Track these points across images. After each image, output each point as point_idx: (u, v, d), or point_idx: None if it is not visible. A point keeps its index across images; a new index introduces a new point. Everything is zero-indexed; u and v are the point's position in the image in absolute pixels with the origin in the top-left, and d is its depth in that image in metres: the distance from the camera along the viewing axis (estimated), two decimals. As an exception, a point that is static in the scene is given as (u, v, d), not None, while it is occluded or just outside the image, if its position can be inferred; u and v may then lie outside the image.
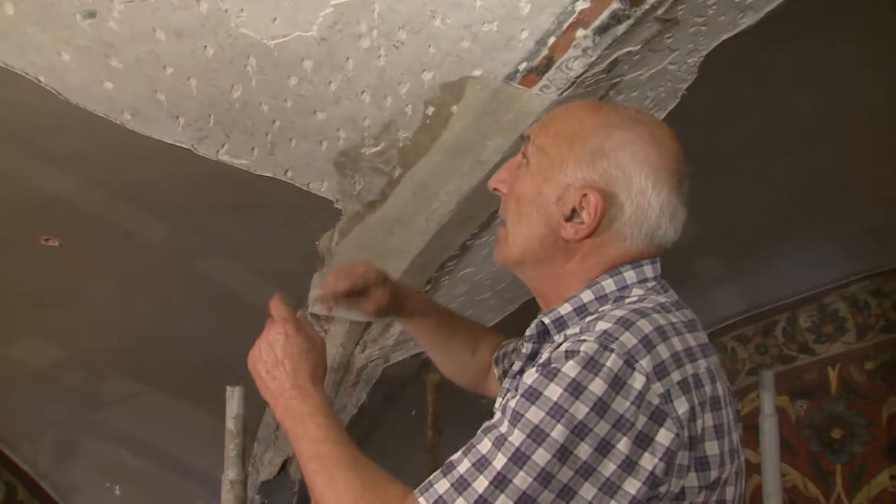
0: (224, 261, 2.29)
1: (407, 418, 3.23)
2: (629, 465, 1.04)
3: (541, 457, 1.02)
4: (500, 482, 1.03)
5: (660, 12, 1.57)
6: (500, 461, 1.04)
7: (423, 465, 2.77)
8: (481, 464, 1.06)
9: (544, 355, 1.17)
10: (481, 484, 1.04)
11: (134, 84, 1.63)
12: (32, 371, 2.46)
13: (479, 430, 1.11)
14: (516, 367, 1.33)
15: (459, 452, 1.10)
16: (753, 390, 3.76)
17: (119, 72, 1.59)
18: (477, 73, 1.70)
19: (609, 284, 1.22)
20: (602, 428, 1.03)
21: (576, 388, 1.04)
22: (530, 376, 1.09)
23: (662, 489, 1.07)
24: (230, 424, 1.97)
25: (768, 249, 3.51)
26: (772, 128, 2.70)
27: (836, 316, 3.86)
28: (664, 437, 1.05)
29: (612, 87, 1.86)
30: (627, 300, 1.21)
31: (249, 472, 2.89)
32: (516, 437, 1.04)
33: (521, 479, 1.03)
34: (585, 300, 1.22)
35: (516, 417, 1.05)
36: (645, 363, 1.06)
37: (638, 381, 1.05)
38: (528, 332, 1.31)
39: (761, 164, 2.89)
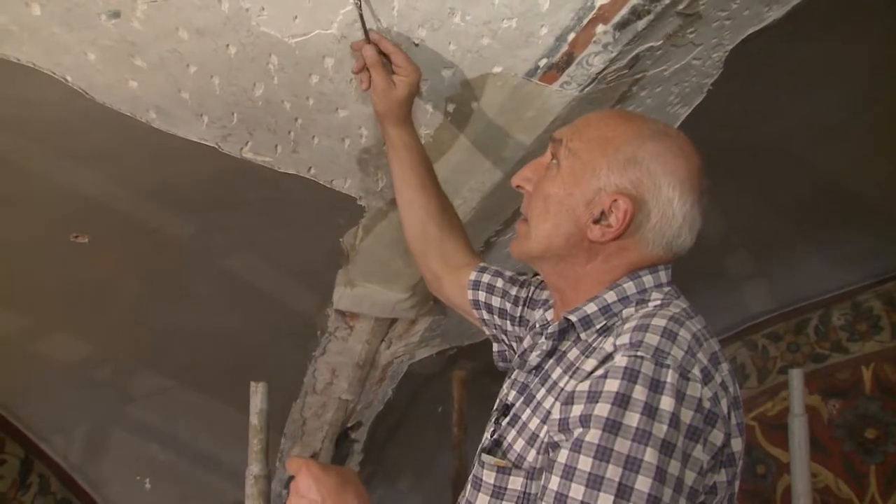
0: (249, 258, 2.32)
1: (433, 415, 3.24)
2: (703, 470, 1.10)
3: (643, 483, 1.04)
4: None
5: (681, 7, 1.56)
6: (605, 500, 1.04)
7: (449, 462, 2.77)
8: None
9: (575, 355, 1.24)
10: None
11: (158, 83, 1.65)
12: (63, 366, 2.51)
13: (554, 474, 1.10)
14: (533, 360, 1.33)
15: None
16: (784, 389, 3.70)
17: (143, 71, 1.61)
18: (497, 69, 1.70)
19: (630, 287, 1.27)
20: (682, 441, 1.07)
21: (651, 411, 1.07)
22: (591, 400, 1.10)
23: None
24: (254, 420, 1.99)
25: (800, 246, 3.47)
26: (802, 123, 2.66)
27: (870, 314, 3.79)
28: (716, 437, 1.11)
29: (634, 83, 1.84)
30: (651, 303, 1.25)
31: (277, 467, 2.92)
32: (613, 472, 1.05)
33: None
34: (609, 301, 1.26)
35: (605, 453, 1.06)
36: (696, 371, 1.11)
37: (695, 390, 1.10)
38: (549, 329, 1.32)
39: (792, 159, 2.85)
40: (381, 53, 1.59)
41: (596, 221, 1.25)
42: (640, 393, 1.07)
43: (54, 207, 2.02)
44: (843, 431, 3.83)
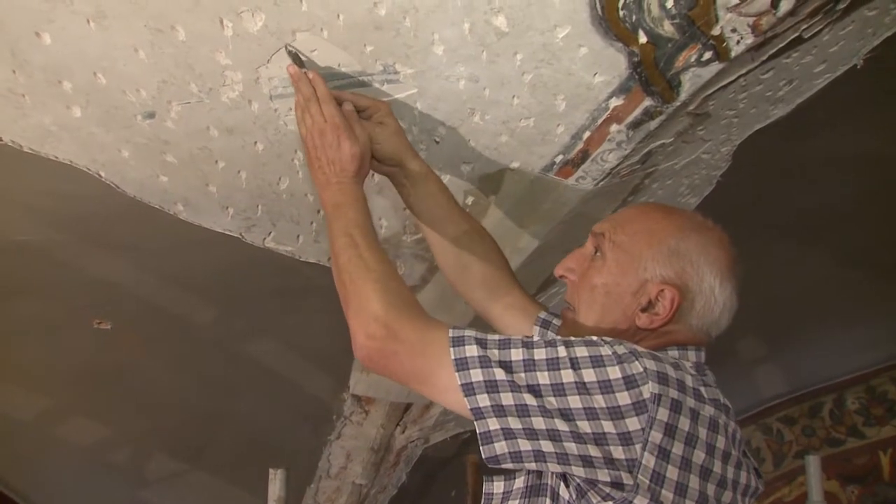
0: (267, 343, 2.35)
1: (446, 499, 3.21)
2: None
3: None
4: None
5: (691, 107, 1.62)
6: None
7: (463, 548, 2.74)
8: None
9: None
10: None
11: (187, 177, 1.71)
12: (80, 450, 2.51)
13: None
14: None
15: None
16: (801, 474, 3.66)
17: (174, 166, 1.68)
18: (514, 165, 1.76)
19: None
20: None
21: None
22: None
23: None
24: (272, 507, 1.99)
25: (812, 329, 3.47)
26: (812, 209, 2.71)
27: (884, 398, 3.77)
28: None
29: (646, 176, 1.90)
30: None
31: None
32: None
33: None
34: None
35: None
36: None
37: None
38: None
39: (803, 243, 2.90)
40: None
41: (644, 310, 1.30)
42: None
43: (79, 294, 2.07)
44: (863, 518, 3.77)
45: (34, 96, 1.47)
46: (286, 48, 1.46)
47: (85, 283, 2.02)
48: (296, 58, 1.47)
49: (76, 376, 2.29)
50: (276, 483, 1.98)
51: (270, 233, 1.90)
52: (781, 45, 1.54)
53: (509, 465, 1.18)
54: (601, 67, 1.50)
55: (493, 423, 1.16)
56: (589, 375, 1.13)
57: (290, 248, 1.95)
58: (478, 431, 1.17)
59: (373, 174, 1.72)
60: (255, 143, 1.66)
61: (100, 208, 1.78)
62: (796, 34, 1.52)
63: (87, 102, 1.50)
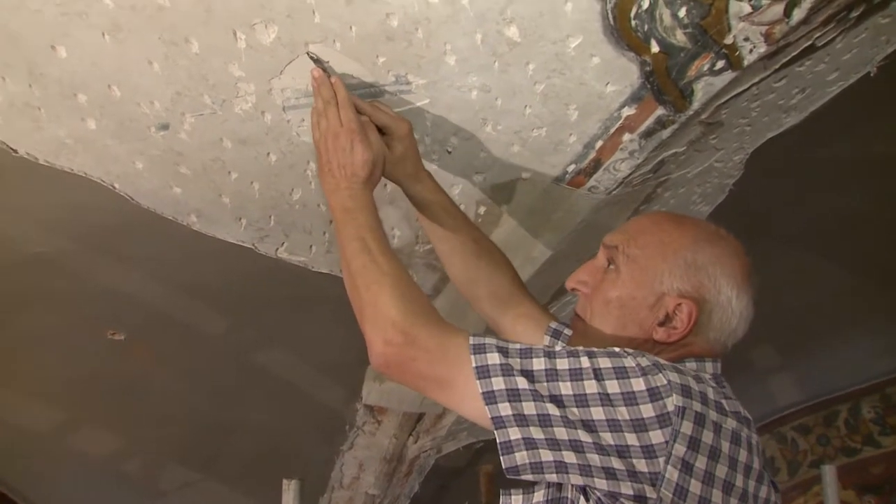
0: (280, 353, 2.35)
1: (459, 510, 3.19)
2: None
3: None
4: None
5: (704, 116, 1.62)
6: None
7: (476, 558, 2.73)
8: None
9: None
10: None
11: (200, 189, 1.72)
12: (94, 459, 2.52)
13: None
14: None
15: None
16: (816, 483, 3.62)
17: (187, 178, 1.69)
18: (526, 174, 1.76)
19: None
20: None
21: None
22: None
23: None
24: (284, 518, 1.99)
25: (826, 338, 3.45)
26: (825, 217, 2.70)
27: (900, 407, 3.74)
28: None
29: (659, 185, 1.90)
30: None
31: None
32: None
33: None
34: None
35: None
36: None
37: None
38: None
39: (817, 251, 2.88)
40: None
41: (661, 324, 1.29)
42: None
43: (93, 305, 2.08)
44: (880, 528, 3.74)
45: (49, 109, 1.49)
46: (307, 53, 1.46)
47: (98, 293, 2.03)
48: (317, 62, 1.47)
49: (89, 387, 2.30)
50: (289, 493, 1.98)
51: (283, 243, 1.91)
52: (794, 54, 1.54)
53: (529, 477, 1.15)
54: (613, 77, 1.50)
55: (515, 433, 1.14)
56: (612, 387, 1.11)
57: (303, 258, 1.96)
58: (498, 441, 1.15)
59: (385, 184, 1.73)
60: (268, 154, 1.67)
61: (114, 220, 1.79)
62: (809, 42, 1.52)
63: (101, 115, 1.51)
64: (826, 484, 2.60)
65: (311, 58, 1.47)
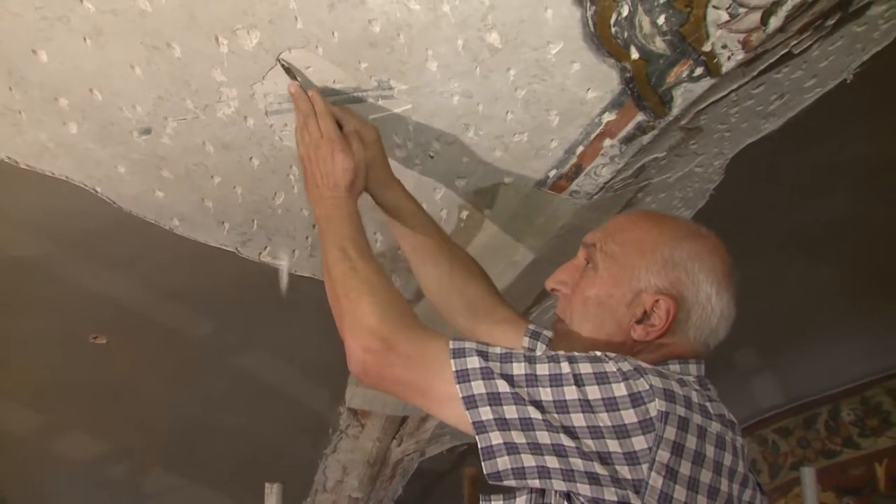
0: (263, 357, 2.35)
1: (443, 513, 3.20)
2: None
3: None
4: None
5: (683, 122, 1.64)
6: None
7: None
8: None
9: None
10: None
11: (183, 193, 1.72)
12: (78, 464, 2.51)
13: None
14: None
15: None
16: (797, 485, 3.66)
17: (170, 182, 1.69)
18: (509, 179, 1.77)
19: None
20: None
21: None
22: None
23: None
24: (267, 522, 1.99)
25: (807, 341, 3.48)
26: (805, 220, 2.73)
27: (879, 409, 3.77)
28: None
29: (640, 190, 1.92)
30: None
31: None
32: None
33: None
34: None
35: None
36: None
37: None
38: None
39: (797, 254, 2.91)
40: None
41: (639, 322, 1.27)
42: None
43: (75, 309, 2.07)
44: (859, 529, 3.77)
45: (31, 113, 1.48)
46: (278, 61, 1.47)
47: (81, 298, 2.02)
48: (288, 70, 1.48)
49: (72, 391, 2.29)
50: (272, 497, 1.98)
51: (266, 247, 1.91)
52: (772, 61, 1.56)
53: (512, 482, 1.14)
54: (594, 83, 1.51)
55: (496, 437, 1.13)
56: (593, 392, 1.10)
57: (285, 262, 1.96)
58: (479, 446, 1.14)
59: (368, 189, 1.73)
60: (251, 158, 1.67)
61: (96, 223, 1.79)
62: (786, 50, 1.54)
63: (83, 119, 1.51)
64: (806, 486, 2.63)
65: (283, 66, 1.47)
